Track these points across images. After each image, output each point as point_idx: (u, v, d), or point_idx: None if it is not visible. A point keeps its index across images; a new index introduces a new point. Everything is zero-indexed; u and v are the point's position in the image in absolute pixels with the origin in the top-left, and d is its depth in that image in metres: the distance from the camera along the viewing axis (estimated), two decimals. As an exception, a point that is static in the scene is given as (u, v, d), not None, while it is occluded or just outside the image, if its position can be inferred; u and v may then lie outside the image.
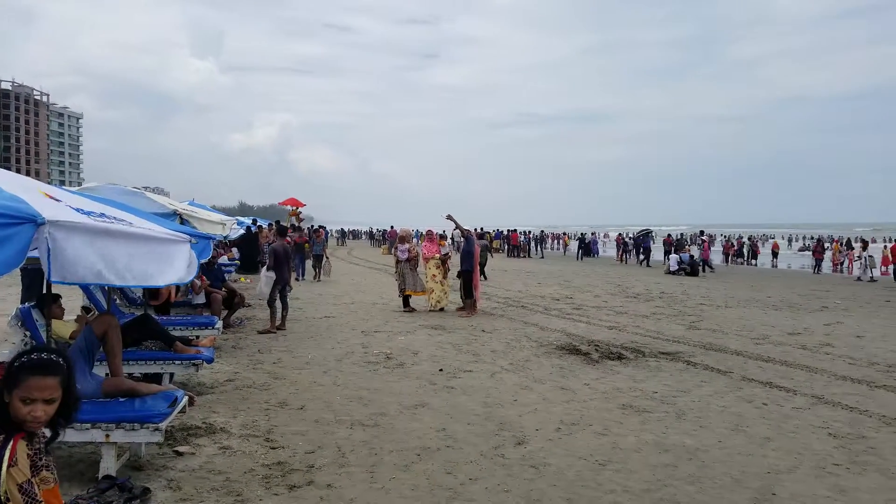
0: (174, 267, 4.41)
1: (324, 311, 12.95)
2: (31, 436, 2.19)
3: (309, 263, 20.81)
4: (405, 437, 5.28)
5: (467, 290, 12.89)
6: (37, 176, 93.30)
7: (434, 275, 13.29)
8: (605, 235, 70.26)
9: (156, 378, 6.23)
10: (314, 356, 8.48)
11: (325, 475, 4.44)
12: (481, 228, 36.31)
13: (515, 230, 44.31)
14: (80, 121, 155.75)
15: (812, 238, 55.98)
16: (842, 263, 31.10)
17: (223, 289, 10.76)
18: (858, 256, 26.21)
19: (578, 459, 4.85)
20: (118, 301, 8.98)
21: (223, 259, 16.38)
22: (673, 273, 25.32)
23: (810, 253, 33.99)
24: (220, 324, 8.70)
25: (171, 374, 6.41)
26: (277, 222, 22.15)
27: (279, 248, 10.74)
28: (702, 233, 41.55)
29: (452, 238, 32.75)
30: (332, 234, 51.45)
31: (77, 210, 3.53)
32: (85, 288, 7.69)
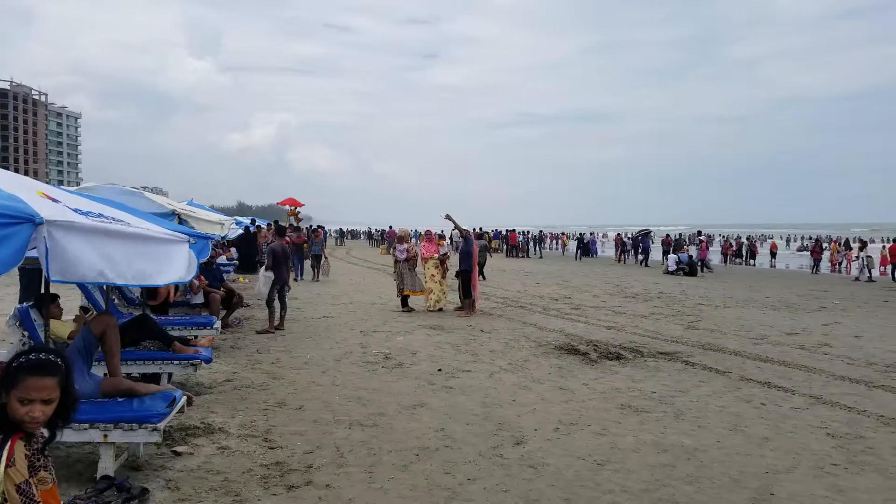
0: (173, 266, 4.40)
1: (322, 311, 12.94)
2: (30, 436, 2.19)
3: (308, 263, 20.79)
4: (404, 437, 5.28)
5: (466, 291, 12.90)
6: (35, 176, 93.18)
7: (433, 275, 13.30)
8: (604, 235, 70.27)
9: (154, 378, 6.22)
10: (313, 356, 8.48)
11: (324, 475, 4.44)
12: (480, 228, 36.34)
13: (514, 230, 44.30)
14: (79, 120, 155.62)
15: (810, 238, 56.04)
16: (840, 263, 31.14)
17: (221, 289, 10.76)
18: (856, 257, 26.25)
19: (577, 459, 4.85)
20: (116, 301, 8.97)
21: (222, 259, 16.35)
22: (671, 273, 25.34)
23: (808, 253, 34.03)
24: (218, 324, 8.69)
25: (170, 374, 6.40)
26: (276, 222, 22.14)
27: (278, 248, 10.73)
28: (699, 233, 41.58)
29: (451, 238, 32.75)
30: (330, 234, 51.42)
31: (75, 210, 3.52)
32: (83, 288, 7.69)
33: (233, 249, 19.99)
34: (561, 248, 52.43)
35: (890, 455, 5.04)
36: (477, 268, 13.47)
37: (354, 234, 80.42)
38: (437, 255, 13.42)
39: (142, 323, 6.73)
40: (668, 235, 35.47)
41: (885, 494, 4.31)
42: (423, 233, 15.67)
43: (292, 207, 29.74)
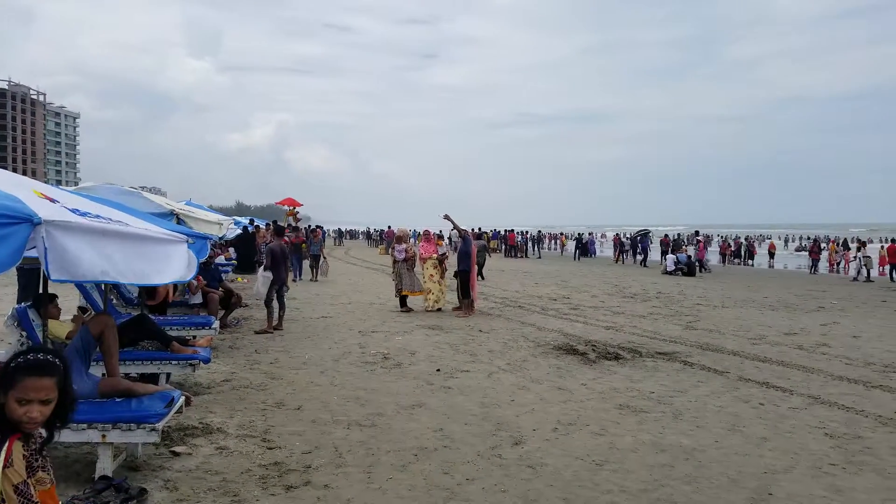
0: (172, 266, 4.40)
1: (321, 311, 12.93)
2: (28, 437, 2.18)
3: (306, 263, 20.78)
4: (402, 438, 5.28)
5: (464, 291, 12.90)
6: (33, 175, 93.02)
7: (432, 275, 13.30)
8: (603, 236, 70.31)
9: (152, 378, 6.22)
10: (311, 356, 8.48)
11: (323, 475, 4.44)
12: (479, 228, 36.34)
13: (513, 230, 44.32)
14: (77, 120, 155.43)
15: (809, 238, 56.11)
16: (838, 264, 31.19)
17: (220, 289, 10.75)
18: (854, 257, 26.28)
19: (575, 459, 4.85)
20: (115, 301, 8.96)
21: (220, 259, 16.35)
22: (670, 273, 25.36)
23: (807, 253, 34.08)
24: (216, 324, 8.69)
25: (168, 375, 6.39)
26: (275, 222, 22.13)
27: (276, 248, 10.73)
28: (697, 233, 41.63)
29: (450, 238, 32.76)
30: (329, 234, 51.39)
31: (73, 211, 3.52)
32: (81, 288, 7.68)
33: (231, 249, 19.99)
34: (559, 248, 52.48)
35: (888, 455, 5.05)
36: (476, 268, 13.47)
37: (353, 234, 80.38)
38: (435, 256, 13.42)
39: (140, 323, 6.73)
40: (666, 235, 35.51)
41: (882, 494, 4.32)
42: (421, 233, 15.67)
43: (291, 207, 29.74)
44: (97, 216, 3.81)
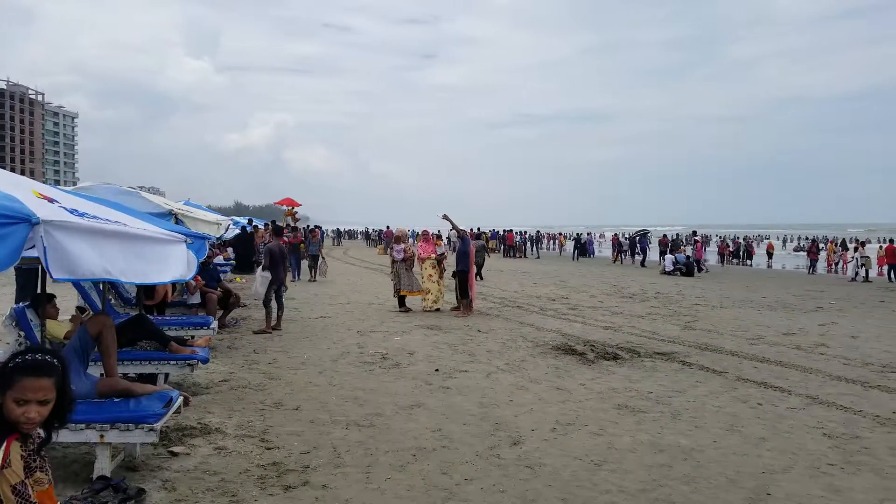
0: (171, 266, 4.40)
1: (319, 311, 12.93)
2: (25, 437, 2.18)
3: (305, 263, 20.77)
4: (401, 438, 5.28)
5: (463, 291, 12.90)
6: (31, 175, 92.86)
7: (430, 275, 13.30)
8: (601, 236, 70.31)
9: (151, 378, 6.21)
10: (310, 356, 8.47)
11: (321, 476, 4.44)
12: (477, 228, 36.34)
13: (511, 230, 44.32)
14: (76, 120, 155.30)
15: (807, 238, 56.16)
16: (836, 264, 31.22)
17: (218, 289, 10.74)
18: (851, 257, 26.31)
19: (574, 460, 4.86)
20: (113, 301, 8.95)
21: (219, 259, 16.35)
22: (668, 273, 25.38)
23: (805, 253, 34.11)
24: (215, 324, 8.68)
25: (167, 375, 6.39)
26: (273, 222, 22.13)
27: (275, 248, 10.73)
28: (695, 233, 41.66)
29: (449, 238, 32.76)
30: (328, 234, 51.38)
31: (71, 211, 3.52)
32: (80, 287, 7.67)
33: (230, 249, 19.98)
34: (558, 248, 52.45)
35: (886, 455, 5.06)
36: (474, 268, 13.47)
37: (352, 234, 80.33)
38: (434, 256, 13.42)
39: (138, 323, 6.72)
40: (665, 236, 35.55)
41: (880, 494, 4.32)
42: (420, 233, 15.67)
43: (290, 207, 29.76)
44: (95, 217, 3.81)
